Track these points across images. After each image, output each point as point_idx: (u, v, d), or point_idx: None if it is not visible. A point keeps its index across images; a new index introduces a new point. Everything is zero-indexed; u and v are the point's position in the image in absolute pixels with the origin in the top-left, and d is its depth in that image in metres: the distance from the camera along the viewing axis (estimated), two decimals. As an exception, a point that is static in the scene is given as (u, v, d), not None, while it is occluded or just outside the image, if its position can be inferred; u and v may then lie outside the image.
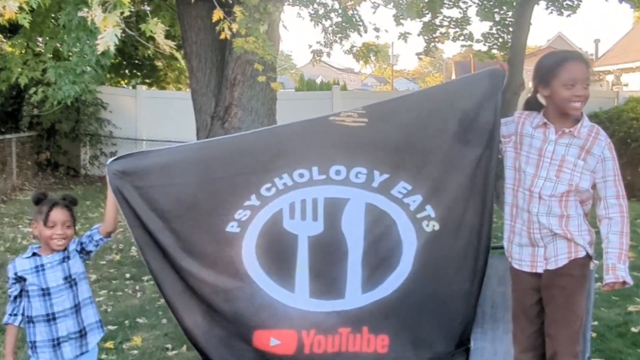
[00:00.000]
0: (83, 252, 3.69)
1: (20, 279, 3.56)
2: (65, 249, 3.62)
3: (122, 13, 3.71)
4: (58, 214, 3.55)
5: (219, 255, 3.86)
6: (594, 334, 5.19)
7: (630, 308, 5.88)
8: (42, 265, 3.57)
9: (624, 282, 3.20)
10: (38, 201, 3.62)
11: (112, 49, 3.70)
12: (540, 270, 3.34)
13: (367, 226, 3.83)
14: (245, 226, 3.84)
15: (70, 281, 3.61)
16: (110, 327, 5.60)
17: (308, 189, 3.83)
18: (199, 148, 4.11)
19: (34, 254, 3.60)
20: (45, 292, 3.55)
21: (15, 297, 3.59)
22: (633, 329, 5.34)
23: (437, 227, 3.78)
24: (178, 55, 4.17)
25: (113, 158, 3.83)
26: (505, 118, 3.60)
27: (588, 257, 3.28)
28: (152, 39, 4.04)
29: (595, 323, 5.45)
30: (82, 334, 3.64)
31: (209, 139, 4.10)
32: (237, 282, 3.86)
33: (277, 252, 3.88)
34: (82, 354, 3.63)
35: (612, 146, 3.27)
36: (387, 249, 3.85)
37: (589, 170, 3.24)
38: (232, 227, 3.83)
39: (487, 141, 3.63)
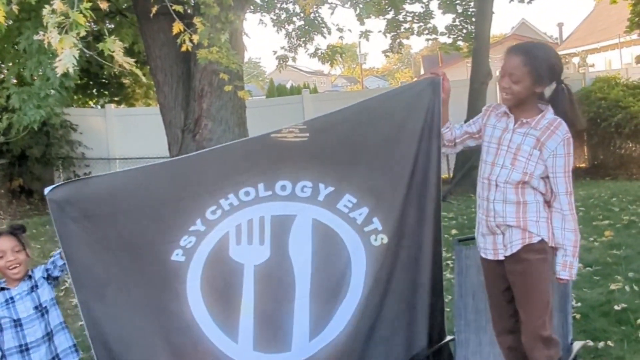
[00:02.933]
0: (50, 278, 3.68)
1: None
2: (31, 278, 3.61)
3: (78, 34, 3.66)
4: (4, 243, 3.57)
5: (163, 289, 3.71)
6: (577, 315, 5.21)
7: (612, 286, 5.91)
8: (11, 298, 3.57)
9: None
10: None
11: (72, 70, 3.66)
12: (501, 257, 3.36)
13: (315, 246, 3.72)
14: (191, 254, 3.71)
15: (41, 310, 3.60)
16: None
17: (254, 207, 3.74)
18: (140, 173, 4.00)
19: (2, 289, 3.61)
20: (17, 324, 3.54)
21: None
22: (616, 307, 5.36)
23: (385, 240, 3.69)
24: (138, 71, 4.11)
25: (51, 187, 3.69)
26: (472, 119, 3.64)
27: (545, 243, 3.27)
28: (112, 57, 3.99)
29: (579, 304, 5.48)
30: None
31: (152, 164, 4.02)
32: (181, 323, 3.70)
33: (222, 287, 3.74)
34: None
35: (569, 142, 3.21)
36: (336, 273, 3.72)
37: (544, 160, 3.23)
38: (177, 256, 3.70)
39: (427, 147, 3.63)
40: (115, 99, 18.07)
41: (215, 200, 3.73)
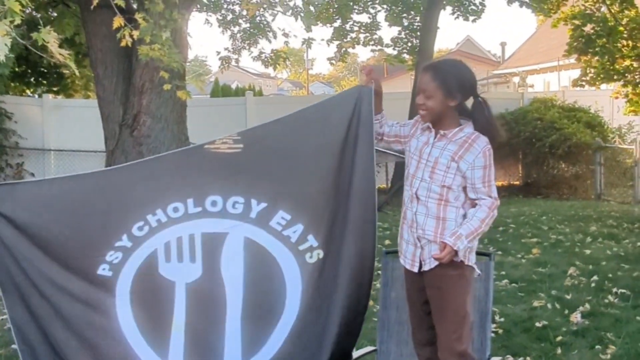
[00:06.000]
0: None
1: None
2: None
3: (12, 22, 3.58)
4: None
5: (90, 303, 3.58)
6: (500, 330, 5.33)
7: (535, 303, 6.07)
8: None
9: (456, 254, 3.26)
10: None
11: (3, 58, 3.56)
12: (416, 269, 3.41)
13: (247, 267, 3.62)
14: (118, 270, 3.59)
15: None
16: (14, 346, 5.38)
17: (183, 225, 3.62)
18: (68, 182, 3.83)
19: None
20: None
21: None
22: (537, 324, 5.50)
23: (321, 255, 3.64)
24: (72, 64, 4.03)
25: None
26: (405, 122, 3.67)
27: (462, 262, 3.31)
28: (45, 47, 3.91)
29: (502, 319, 5.60)
30: None
31: (82, 173, 3.86)
32: (107, 338, 3.58)
33: (153, 303, 3.62)
34: None
35: (487, 154, 3.27)
36: (269, 294, 3.65)
37: (462, 172, 3.29)
38: (104, 270, 3.58)
39: (357, 156, 3.57)
40: (54, 88, 17.64)
41: (143, 216, 3.61)
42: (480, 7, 14.27)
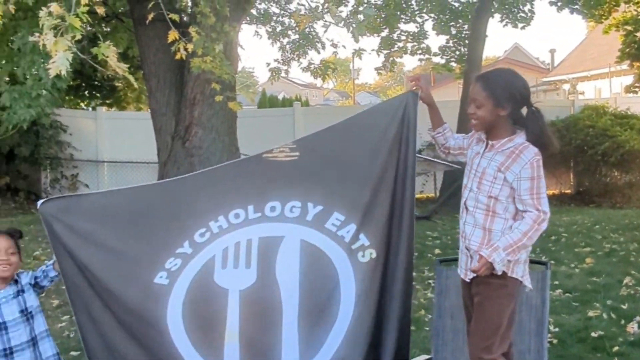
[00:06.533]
0: (37, 286, 3.65)
1: None
2: (17, 282, 3.58)
3: (73, 37, 3.69)
4: (0, 242, 3.53)
5: (145, 313, 3.64)
6: (555, 340, 5.27)
7: (590, 313, 5.97)
8: None
9: (492, 267, 3.22)
10: None
11: (64, 73, 3.68)
12: (467, 279, 3.43)
13: (303, 269, 3.69)
14: (175, 278, 3.65)
15: (27, 314, 3.56)
16: (73, 353, 5.52)
17: (243, 230, 3.71)
18: (132, 192, 3.95)
19: None
20: (2, 327, 3.50)
21: None
22: (593, 334, 5.42)
23: (374, 255, 3.71)
24: (131, 78, 4.14)
25: (43, 200, 3.68)
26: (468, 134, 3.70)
27: (505, 274, 3.29)
28: (105, 61, 4.02)
29: (557, 330, 5.53)
30: None
31: (145, 184, 3.95)
32: (162, 350, 3.64)
33: (205, 313, 3.67)
34: None
35: (534, 165, 3.26)
36: (325, 295, 3.71)
37: (509, 183, 3.29)
38: (160, 278, 3.64)
39: (405, 157, 3.70)
40: (107, 101, 18.05)
41: (205, 223, 3.71)
42: (529, 14, 14.14)
